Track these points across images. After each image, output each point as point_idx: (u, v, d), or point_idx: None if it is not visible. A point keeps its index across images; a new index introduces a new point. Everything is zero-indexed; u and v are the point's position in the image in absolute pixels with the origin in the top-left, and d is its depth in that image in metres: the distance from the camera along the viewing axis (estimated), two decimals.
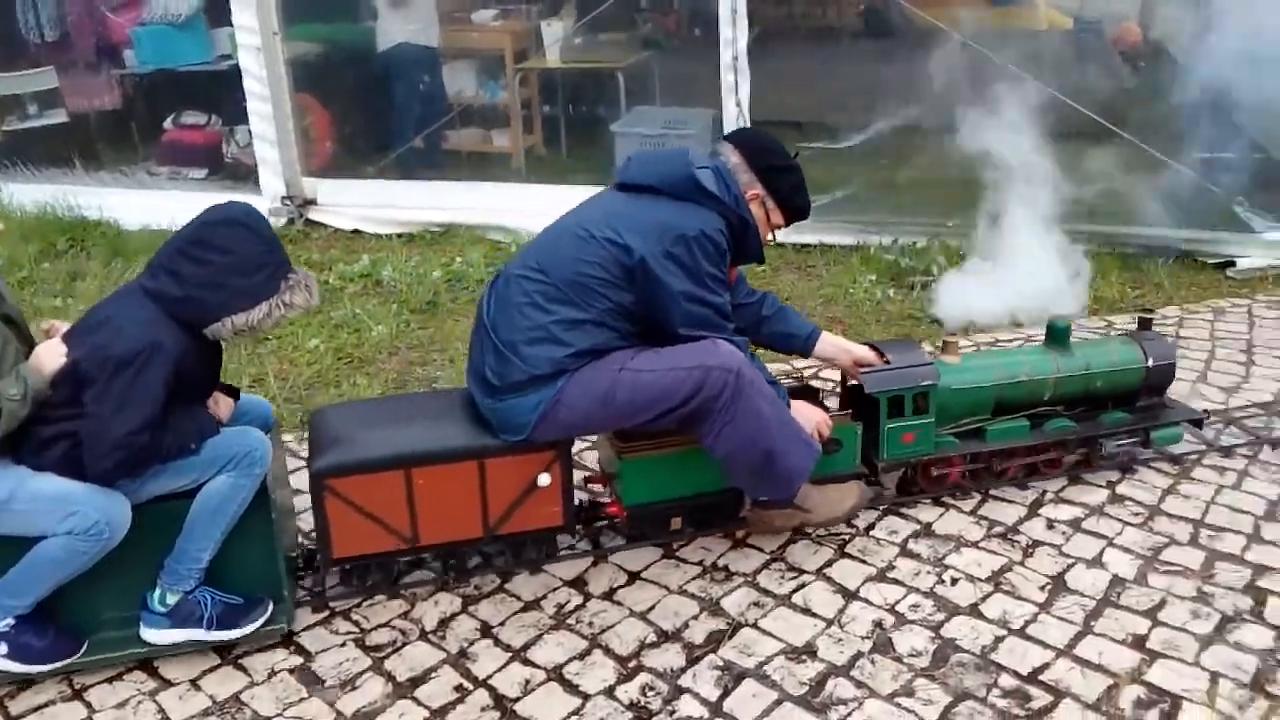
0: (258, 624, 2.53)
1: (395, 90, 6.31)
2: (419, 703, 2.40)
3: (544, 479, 2.73)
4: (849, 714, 2.34)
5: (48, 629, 2.43)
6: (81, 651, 2.47)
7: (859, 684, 2.43)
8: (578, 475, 3.01)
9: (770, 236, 2.87)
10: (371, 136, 6.38)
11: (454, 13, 6.72)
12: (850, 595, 2.73)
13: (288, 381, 3.95)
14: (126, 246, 5.49)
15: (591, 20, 6.54)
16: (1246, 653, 2.49)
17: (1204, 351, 4.11)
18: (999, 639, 2.56)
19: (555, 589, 2.79)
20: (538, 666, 2.51)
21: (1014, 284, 4.34)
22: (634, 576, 2.83)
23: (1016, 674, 2.44)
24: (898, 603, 2.70)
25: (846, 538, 2.98)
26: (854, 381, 3.10)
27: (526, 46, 6.54)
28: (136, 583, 2.49)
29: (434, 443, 2.67)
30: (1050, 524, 3.02)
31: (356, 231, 5.83)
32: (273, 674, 2.51)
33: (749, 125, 5.16)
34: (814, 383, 3.64)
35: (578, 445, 3.26)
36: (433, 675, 2.49)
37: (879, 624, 2.62)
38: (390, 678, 2.48)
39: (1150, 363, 3.26)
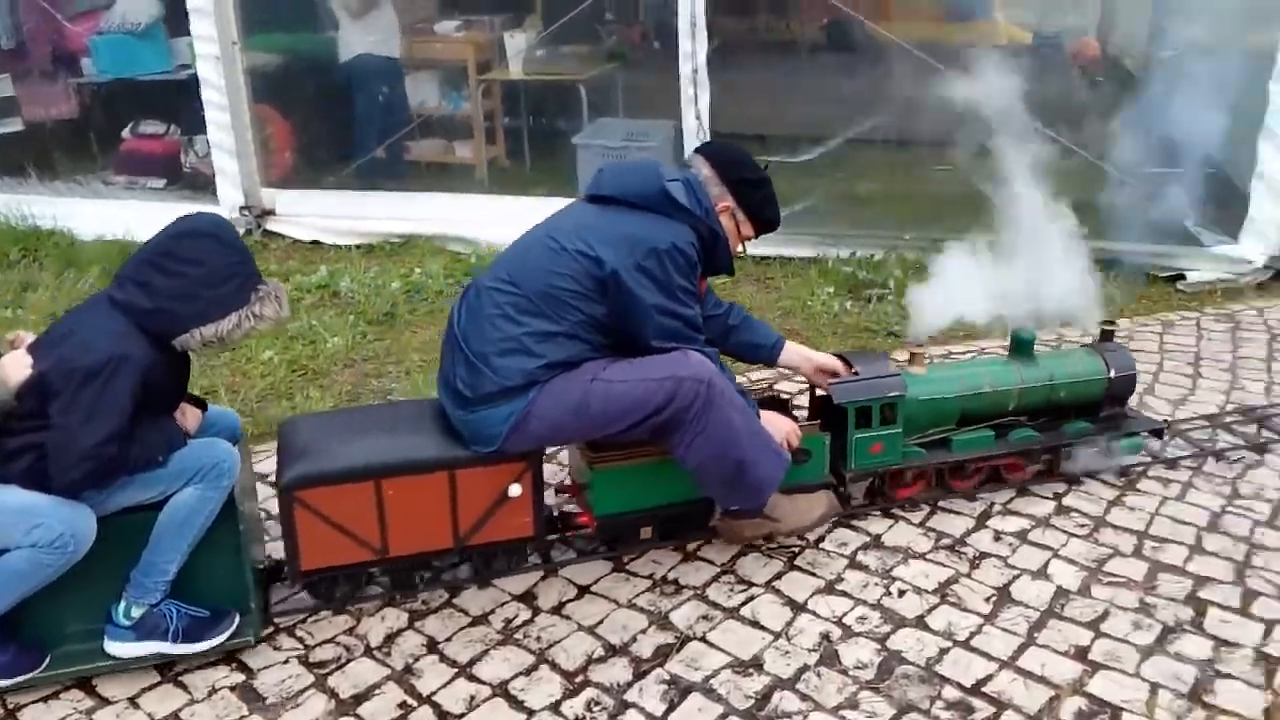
0: (224, 637, 2.51)
1: (357, 101, 6.29)
2: None
3: (515, 489, 2.73)
4: None
5: (9, 643, 2.40)
6: (44, 665, 2.44)
7: (804, 697, 2.43)
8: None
9: (740, 248, 2.89)
10: (332, 147, 6.35)
11: (416, 24, 6.71)
12: (799, 608, 2.74)
13: (239, 394, 3.91)
14: (80, 257, 5.42)
15: (554, 33, 6.56)
16: (1186, 663, 2.52)
17: (1153, 364, 4.17)
18: (944, 651, 2.57)
19: (504, 603, 2.77)
20: (483, 682, 2.49)
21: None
22: (584, 590, 2.82)
23: (960, 686, 2.46)
24: (845, 615, 2.71)
25: (796, 550, 2.99)
26: (822, 392, 3.13)
27: (489, 58, 6.54)
28: (101, 596, 2.46)
29: (404, 454, 2.67)
30: (997, 536, 3.04)
31: (315, 242, 5.79)
32: (213, 691, 2.47)
33: (709, 138, 5.19)
34: (768, 393, 3.66)
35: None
36: (376, 692, 2.46)
37: (826, 636, 2.63)
38: (333, 695, 2.46)
39: (1112, 373, 3.32)
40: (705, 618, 2.70)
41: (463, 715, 2.39)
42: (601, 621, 2.69)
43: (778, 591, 2.81)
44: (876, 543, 3.02)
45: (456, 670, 2.53)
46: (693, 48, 5.17)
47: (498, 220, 5.57)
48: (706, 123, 5.27)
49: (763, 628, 2.67)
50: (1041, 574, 2.86)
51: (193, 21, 5.64)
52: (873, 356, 3.17)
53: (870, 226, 5.35)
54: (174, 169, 6.58)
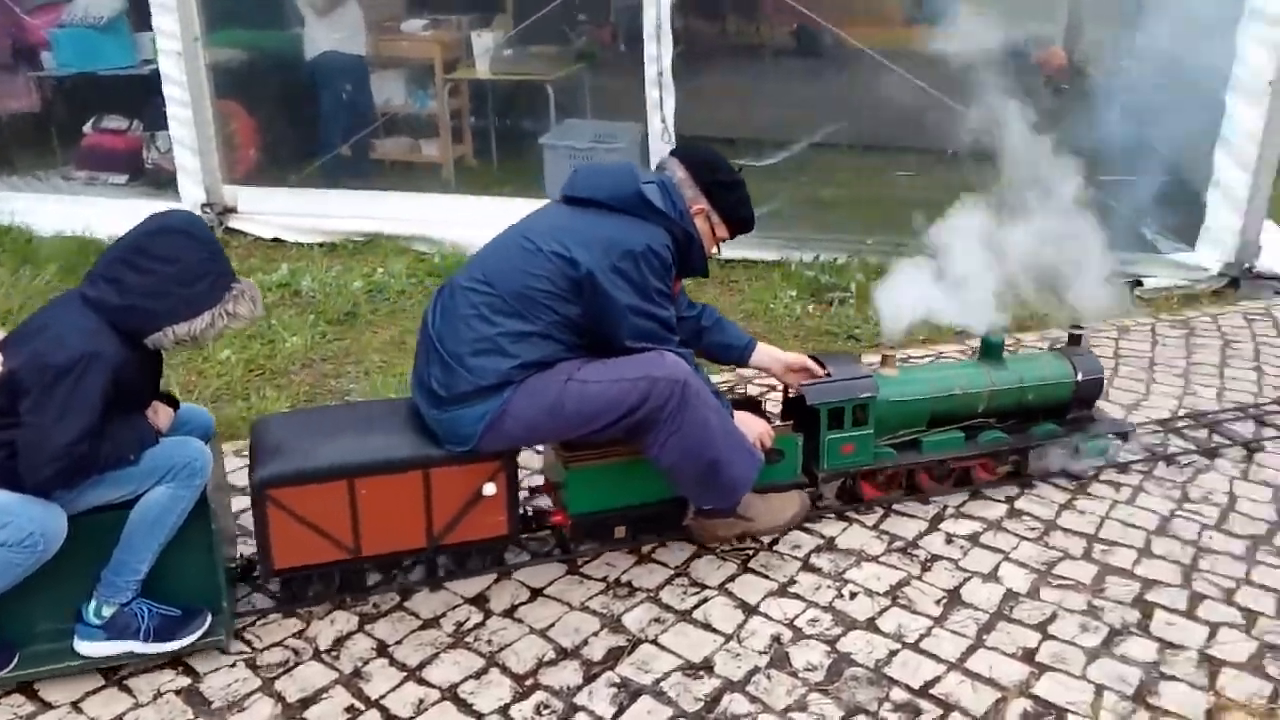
0: (196, 636, 2.50)
1: (322, 98, 6.26)
2: None
3: (489, 489, 2.73)
4: None
5: None
6: (12, 665, 2.41)
7: (753, 699, 2.44)
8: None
9: (715, 249, 2.91)
10: (297, 144, 6.31)
11: (383, 22, 6.68)
12: (750, 610, 2.75)
13: (194, 394, 3.87)
14: (37, 254, 5.34)
15: (522, 33, 6.54)
16: (1131, 665, 2.55)
17: (1108, 369, 4.21)
18: (893, 653, 2.59)
19: (455, 606, 2.76)
20: (432, 686, 2.48)
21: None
22: (536, 593, 2.82)
23: (908, 688, 2.47)
24: (796, 617, 2.72)
25: (750, 552, 2.99)
26: (794, 392, 3.14)
27: (457, 57, 6.51)
28: (71, 595, 2.44)
29: (378, 453, 2.66)
30: (949, 538, 3.07)
31: (277, 240, 5.74)
32: (158, 695, 2.44)
33: (673, 141, 5.19)
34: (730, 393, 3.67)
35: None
36: (324, 696, 2.44)
37: (777, 639, 2.64)
38: (280, 699, 2.43)
39: (1080, 377, 3.37)
40: (657, 620, 2.70)
41: (411, 719, 2.38)
42: (553, 624, 2.69)
43: (730, 594, 2.81)
44: (830, 545, 3.03)
45: (406, 674, 2.51)
46: (658, 51, 5.17)
47: (463, 220, 5.56)
48: (671, 126, 5.27)
49: (714, 630, 2.67)
50: (992, 576, 2.89)
51: (155, 16, 5.58)
52: (845, 358, 3.20)
53: (834, 230, 5.38)
54: (136, 165, 6.52)
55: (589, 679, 2.50)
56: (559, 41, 6.76)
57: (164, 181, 6.14)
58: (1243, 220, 4.97)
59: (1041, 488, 3.33)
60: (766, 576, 2.89)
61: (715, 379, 4.00)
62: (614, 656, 2.57)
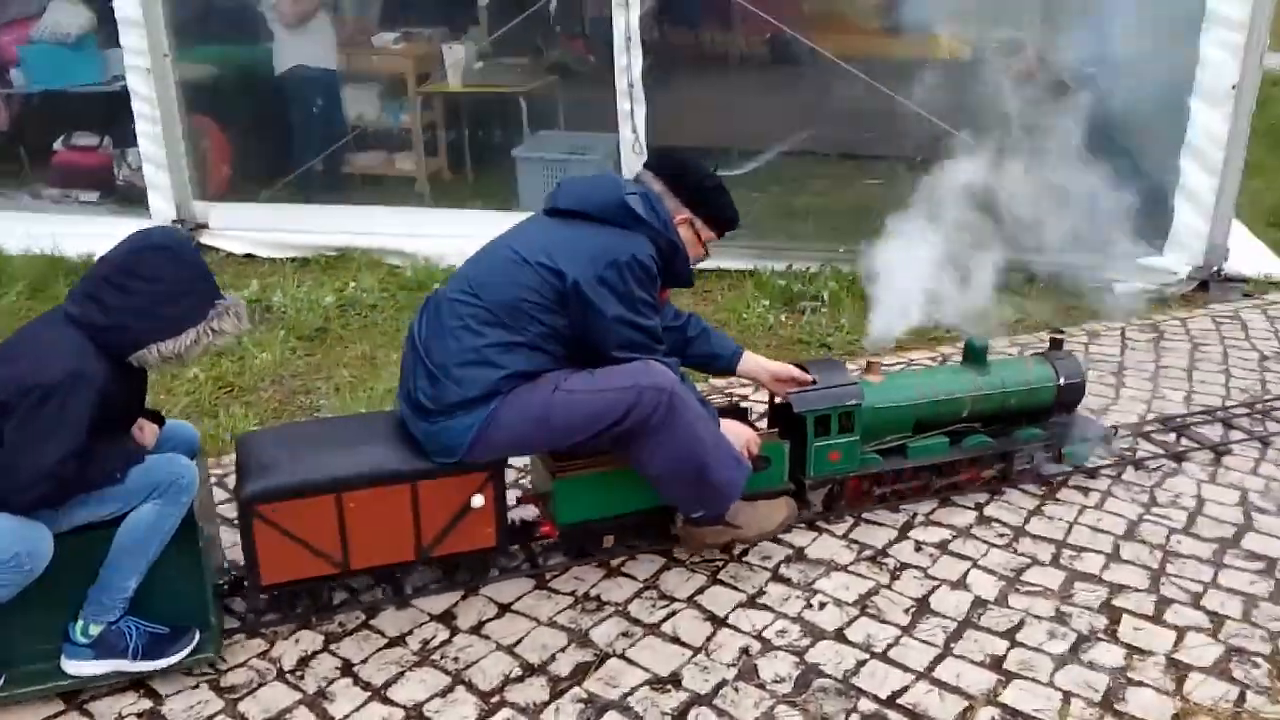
0: (184, 653, 2.49)
1: (293, 113, 6.22)
2: None
3: (477, 500, 2.73)
4: None
5: None
6: (0, 685, 2.38)
7: (721, 712, 2.43)
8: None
9: (704, 252, 2.93)
10: (269, 159, 6.27)
11: (354, 35, 6.66)
12: (719, 622, 2.74)
13: (162, 411, 3.82)
14: (3, 273, 5.28)
15: (495, 45, 6.55)
16: (1098, 671, 2.56)
17: None
18: (861, 663, 2.59)
19: (422, 624, 2.74)
20: (397, 705, 2.46)
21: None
22: (504, 609, 2.80)
23: (876, 698, 2.47)
24: (765, 629, 2.71)
25: (720, 564, 2.99)
26: (780, 399, 3.15)
27: (429, 70, 6.50)
28: (58, 614, 2.42)
29: (365, 466, 2.66)
30: (919, 546, 3.07)
31: (250, 256, 5.70)
32: (120, 719, 2.42)
33: (645, 152, 5.20)
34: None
35: None
36: (287, 717, 2.42)
37: (745, 650, 2.63)
38: None
39: (1062, 381, 3.39)
40: (625, 634, 2.69)
41: None
42: (520, 640, 2.67)
43: (699, 606, 2.80)
44: (800, 555, 3.03)
45: (370, 693, 2.49)
46: (628, 62, 5.18)
47: (437, 233, 5.55)
48: (643, 136, 5.28)
49: (683, 643, 2.66)
50: (960, 584, 2.89)
51: (122, 33, 5.55)
52: (831, 365, 3.22)
53: (806, 239, 5.40)
54: (107, 182, 6.46)
55: (555, 695, 2.48)
56: (531, 54, 6.77)
57: (135, 198, 6.09)
58: (1210, 224, 5.02)
59: (1011, 494, 3.34)
60: (736, 588, 2.88)
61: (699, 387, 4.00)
62: (581, 672, 2.56)
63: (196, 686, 2.52)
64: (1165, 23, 4.93)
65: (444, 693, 2.49)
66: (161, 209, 5.76)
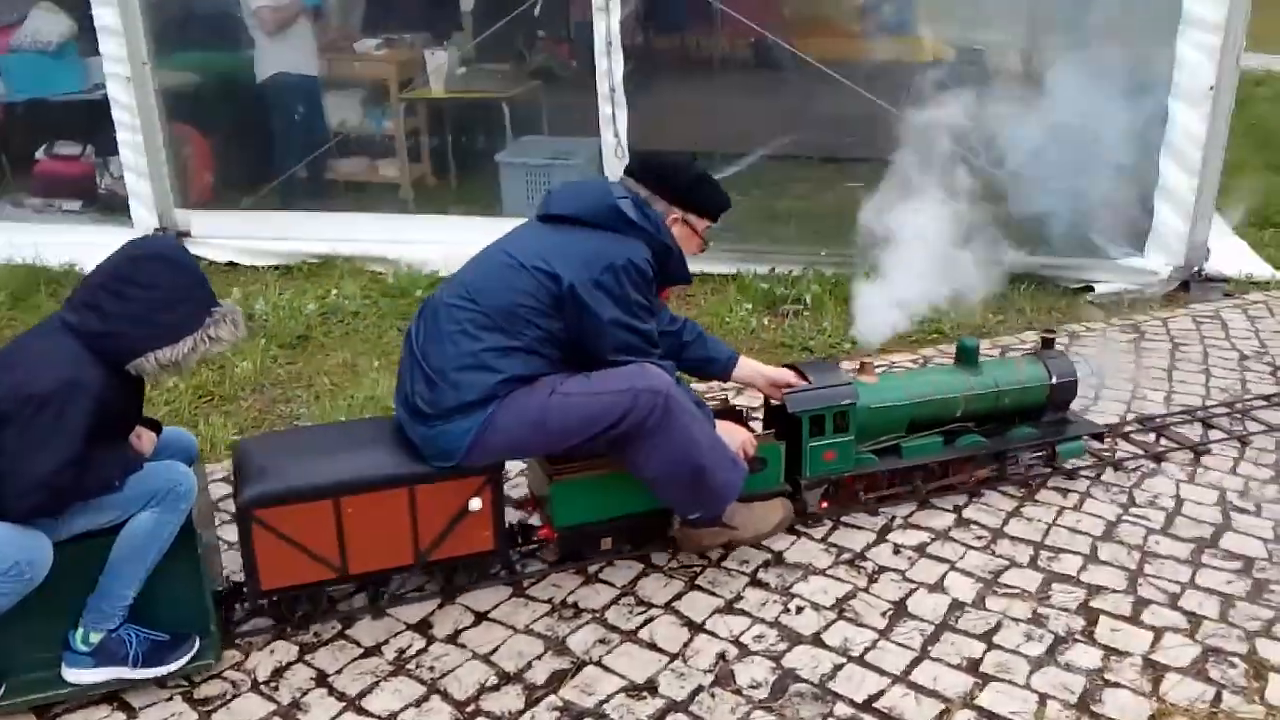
0: (185, 660, 2.48)
1: (275, 120, 6.20)
2: None
3: (475, 504, 2.73)
4: None
5: None
6: None
7: (696, 719, 2.42)
8: None
9: (703, 242, 2.94)
10: (251, 167, 6.25)
11: (336, 42, 6.65)
12: (696, 628, 2.73)
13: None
14: None
15: (477, 51, 6.54)
16: (1075, 673, 2.56)
17: None
18: (838, 667, 2.58)
19: (398, 633, 2.73)
20: (371, 715, 2.44)
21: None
22: (481, 617, 2.79)
23: (852, 702, 2.46)
24: (742, 634, 2.71)
25: (698, 569, 2.98)
26: (776, 402, 3.16)
27: (412, 76, 6.49)
28: (58, 622, 2.41)
29: (363, 471, 2.66)
30: (897, 549, 3.06)
31: (232, 264, 5.68)
32: None
33: (627, 156, 5.19)
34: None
35: None
36: None
37: (722, 656, 2.63)
38: None
39: (1054, 380, 3.41)
40: (602, 641, 2.68)
41: None
42: (497, 649, 2.66)
43: (677, 612, 2.80)
44: (778, 560, 3.02)
45: (345, 704, 2.48)
46: (609, 66, 5.18)
47: (421, 239, 5.54)
48: (625, 141, 5.28)
49: (659, 650, 2.65)
50: (938, 587, 2.89)
51: (101, 41, 5.53)
52: (825, 366, 3.23)
53: (788, 243, 5.40)
54: (89, 191, 6.44)
55: (531, 704, 2.47)
56: (514, 59, 6.76)
57: (118, 207, 6.06)
58: (1190, 224, 5.03)
59: (990, 495, 3.34)
60: (713, 593, 2.87)
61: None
62: (557, 680, 2.55)
63: (170, 699, 2.50)
64: (1142, 23, 4.95)
65: (419, 702, 2.48)
66: (143, 217, 5.73)
